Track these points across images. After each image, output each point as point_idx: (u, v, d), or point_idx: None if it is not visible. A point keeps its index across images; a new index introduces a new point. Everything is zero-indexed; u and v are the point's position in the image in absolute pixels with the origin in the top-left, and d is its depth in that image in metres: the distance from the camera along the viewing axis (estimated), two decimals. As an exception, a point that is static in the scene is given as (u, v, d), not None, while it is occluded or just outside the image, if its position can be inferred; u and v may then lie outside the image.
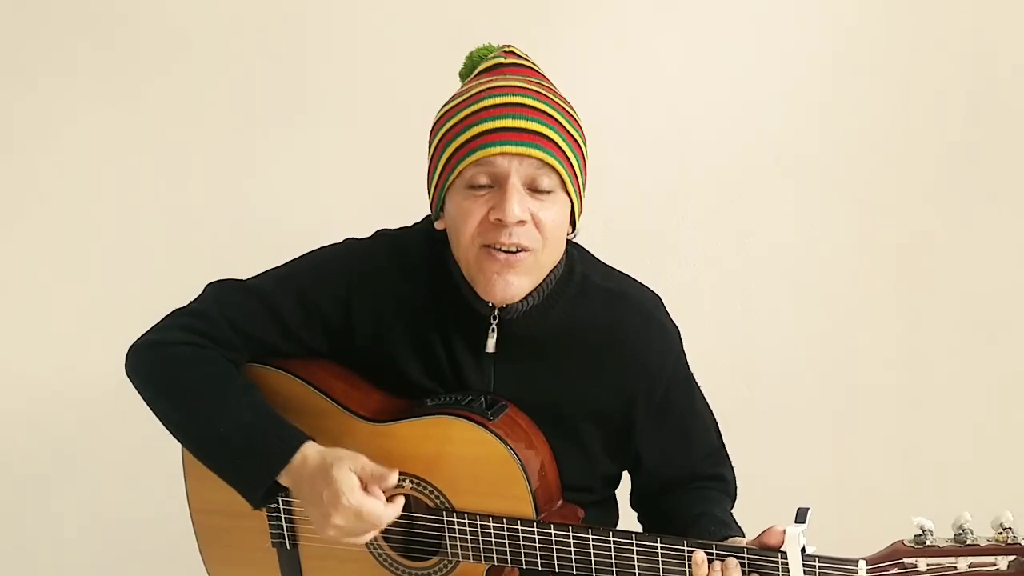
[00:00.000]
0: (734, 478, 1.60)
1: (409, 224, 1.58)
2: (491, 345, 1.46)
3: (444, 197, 1.42)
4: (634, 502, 1.62)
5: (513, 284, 1.38)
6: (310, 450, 1.41)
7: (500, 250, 1.36)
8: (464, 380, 1.49)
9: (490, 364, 1.49)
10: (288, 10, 2.19)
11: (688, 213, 2.21)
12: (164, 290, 2.12)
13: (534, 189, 1.37)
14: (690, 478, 1.55)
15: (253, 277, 1.56)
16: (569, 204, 1.41)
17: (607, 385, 1.48)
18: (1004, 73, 2.11)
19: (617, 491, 1.63)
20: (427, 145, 1.46)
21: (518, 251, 1.37)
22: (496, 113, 1.36)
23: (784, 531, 1.30)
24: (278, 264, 1.56)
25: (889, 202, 2.18)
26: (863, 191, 2.18)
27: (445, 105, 1.44)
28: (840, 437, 2.24)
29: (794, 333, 2.24)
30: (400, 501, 1.40)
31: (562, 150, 1.38)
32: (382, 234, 1.56)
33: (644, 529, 1.54)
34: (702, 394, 1.58)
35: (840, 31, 2.14)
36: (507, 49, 1.47)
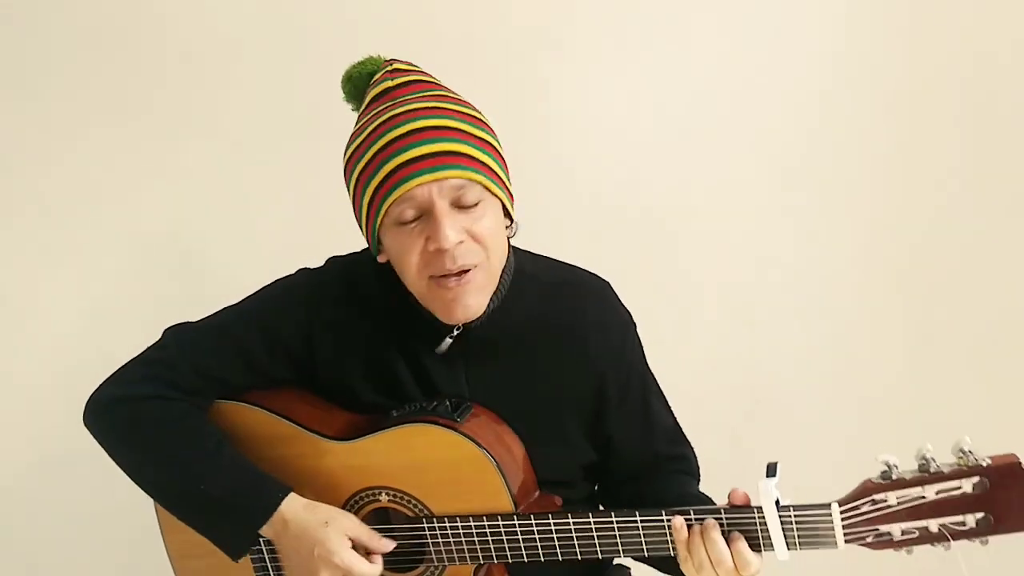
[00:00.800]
0: (695, 455, 1.62)
1: (360, 249, 1.57)
2: (443, 347, 1.47)
3: (378, 235, 1.42)
4: (601, 496, 1.63)
5: (472, 304, 1.40)
6: (293, 503, 1.43)
7: (449, 276, 1.37)
8: (434, 389, 1.50)
9: (461, 371, 1.50)
10: (290, 22, 2.19)
11: (691, 223, 2.20)
12: (161, 299, 2.16)
13: (461, 206, 1.37)
14: (654, 461, 1.57)
15: (209, 316, 1.56)
16: (499, 205, 1.42)
17: (577, 372, 1.50)
18: (1006, 77, 2.13)
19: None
20: (344, 183, 1.45)
21: (464, 271, 1.37)
22: (402, 145, 1.35)
23: (744, 492, 1.34)
24: (280, 276, 1.56)
25: (894, 209, 2.17)
26: (868, 199, 2.18)
27: (350, 145, 1.44)
28: (847, 447, 2.20)
29: (800, 343, 2.23)
30: (379, 562, 1.43)
31: (476, 159, 1.38)
32: (334, 261, 1.57)
33: None
34: (654, 375, 1.61)
35: (843, 36, 2.14)
36: (390, 69, 1.45)
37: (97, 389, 1.53)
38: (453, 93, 1.45)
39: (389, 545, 1.44)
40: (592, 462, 1.56)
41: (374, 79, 1.46)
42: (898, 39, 2.14)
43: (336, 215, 2.14)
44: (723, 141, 2.18)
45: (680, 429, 1.61)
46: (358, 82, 1.49)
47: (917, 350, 2.23)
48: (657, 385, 1.60)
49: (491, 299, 1.45)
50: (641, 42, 2.17)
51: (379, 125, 1.39)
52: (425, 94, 1.42)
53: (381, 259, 1.46)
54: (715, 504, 1.44)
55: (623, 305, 1.57)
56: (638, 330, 1.58)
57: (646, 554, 1.39)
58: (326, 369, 1.51)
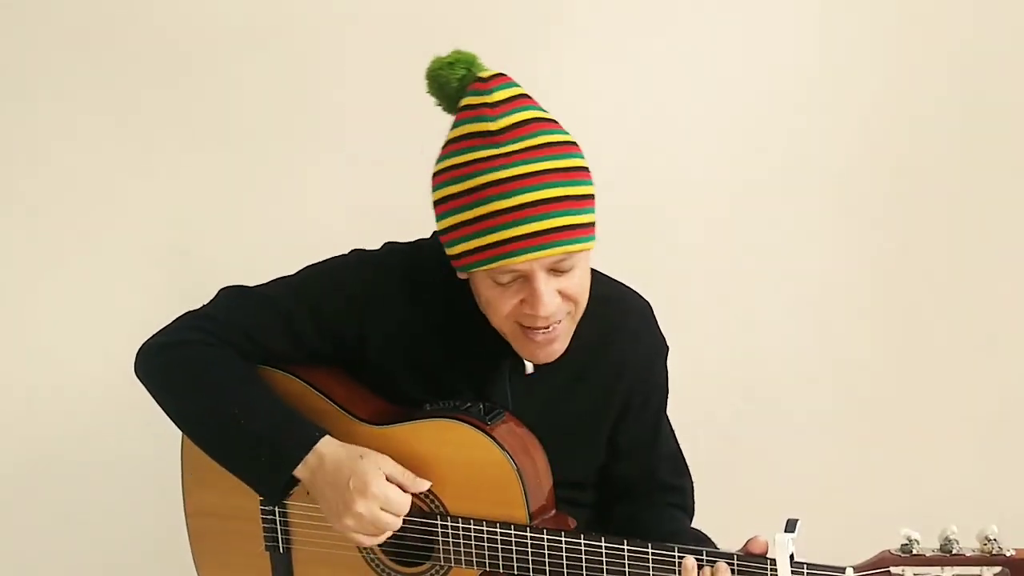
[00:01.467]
0: (692, 490, 1.65)
1: (414, 239, 1.58)
2: (530, 368, 1.51)
3: (467, 271, 1.42)
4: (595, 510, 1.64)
5: (556, 350, 1.45)
6: (330, 443, 1.44)
7: (538, 329, 1.41)
8: (481, 393, 1.52)
9: (506, 378, 1.52)
10: (284, 19, 2.22)
11: (685, 222, 2.22)
12: (162, 297, 2.14)
13: (558, 271, 1.39)
14: (652, 484, 1.60)
15: (264, 284, 1.58)
16: (589, 250, 1.42)
17: (612, 382, 1.54)
18: (1000, 75, 2.14)
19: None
20: (431, 192, 1.42)
21: (554, 324, 1.41)
22: (508, 220, 1.34)
23: (765, 541, 1.33)
24: (286, 273, 1.58)
25: (889, 208, 2.19)
26: (862, 198, 2.20)
27: (447, 178, 1.38)
28: (838, 448, 2.23)
29: (791, 344, 2.25)
30: (409, 497, 1.43)
31: (579, 226, 1.37)
32: (394, 249, 1.57)
33: None
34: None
35: (837, 36, 2.17)
36: (489, 95, 1.38)
37: (147, 340, 1.57)
38: (553, 132, 1.40)
39: (423, 484, 1.43)
40: (602, 465, 1.60)
41: (468, 95, 1.40)
42: (892, 37, 2.16)
43: (336, 212, 2.19)
44: (717, 141, 2.20)
45: (683, 458, 1.64)
46: (447, 87, 1.43)
47: (910, 350, 2.23)
48: (668, 417, 1.64)
49: None
50: (634, 41, 2.19)
51: (484, 186, 1.35)
52: (528, 147, 1.36)
53: (462, 276, 1.45)
54: (712, 544, 1.47)
55: (660, 332, 1.61)
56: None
57: None
58: (374, 356, 1.53)
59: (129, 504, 2.27)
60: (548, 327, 1.41)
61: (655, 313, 1.61)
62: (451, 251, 1.42)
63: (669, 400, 1.65)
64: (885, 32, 2.16)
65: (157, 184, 2.28)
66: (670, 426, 1.65)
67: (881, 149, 2.19)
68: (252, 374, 1.52)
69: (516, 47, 2.09)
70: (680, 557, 1.35)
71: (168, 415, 1.54)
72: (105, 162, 2.27)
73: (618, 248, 2.12)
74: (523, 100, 1.41)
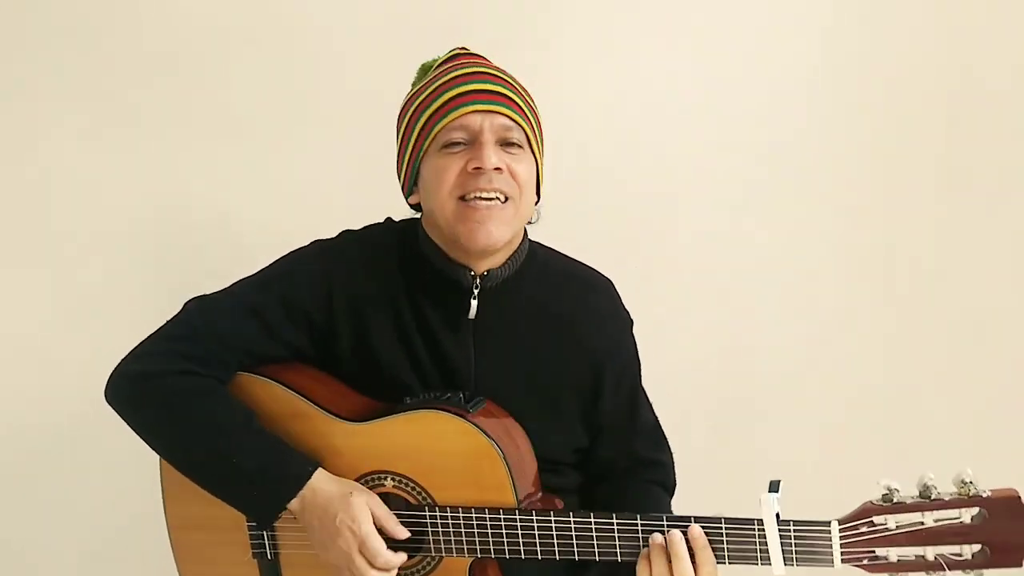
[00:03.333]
0: (672, 463, 1.68)
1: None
2: (473, 310, 1.53)
3: (419, 167, 1.51)
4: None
5: (494, 232, 1.47)
6: (323, 477, 1.47)
7: (480, 199, 1.46)
8: (446, 355, 1.54)
9: (470, 336, 1.55)
10: (269, 13, 2.21)
11: (678, 217, 2.23)
12: (149, 293, 2.16)
13: (505, 144, 1.48)
14: (633, 461, 1.62)
15: (228, 288, 1.58)
16: (535, 165, 1.52)
17: (577, 358, 1.57)
18: (990, 77, 2.17)
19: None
20: (396, 131, 1.55)
21: (496, 198, 1.46)
22: (465, 79, 1.49)
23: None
24: (251, 272, 1.59)
25: (880, 204, 2.21)
26: (854, 194, 2.21)
27: (410, 92, 1.56)
28: (832, 440, 2.25)
29: (784, 337, 2.26)
30: (402, 555, 1.45)
31: (526, 114, 1.51)
32: (348, 233, 1.63)
33: None
34: (641, 376, 1.69)
35: (829, 35, 2.19)
36: (461, 47, 1.59)
37: (118, 365, 1.54)
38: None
39: (403, 533, 1.46)
40: (584, 447, 1.62)
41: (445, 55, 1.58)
42: (884, 36, 2.18)
43: (321, 203, 2.19)
44: (710, 138, 2.21)
45: (661, 432, 1.67)
46: (427, 67, 1.59)
47: (901, 346, 2.24)
48: (643, 388, 1.67)
49: (508, 264, 1.54)
50: (628, 39, 2.20)
51: (445, 69, 1.52)
52: (492, 64, 1.56)
53: (412, 200, 1.56)
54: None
55: (624, 306, 1.66)
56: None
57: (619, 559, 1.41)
58: (344, 333, 1.54)
59: (119, 502, 2.24)
60: (492, 194, 1.45)
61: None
62: (404, 159, 1.53)
63: (656, 392, 1.67)
64: (881, 31, 2.18)
65: (143, 180, 2.25)
66: (647, 401, 1.68)
67: (876, 147, 2.20)
68: (236, 402, 1.51)
69: (515, 46, 2.07)
70: (670, 526, 1.38)
71: (150, 445, 1.53)
72: (86, 154, 2.24)
73: (611, 243, 2.15)
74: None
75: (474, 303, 1.53)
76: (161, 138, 2.23)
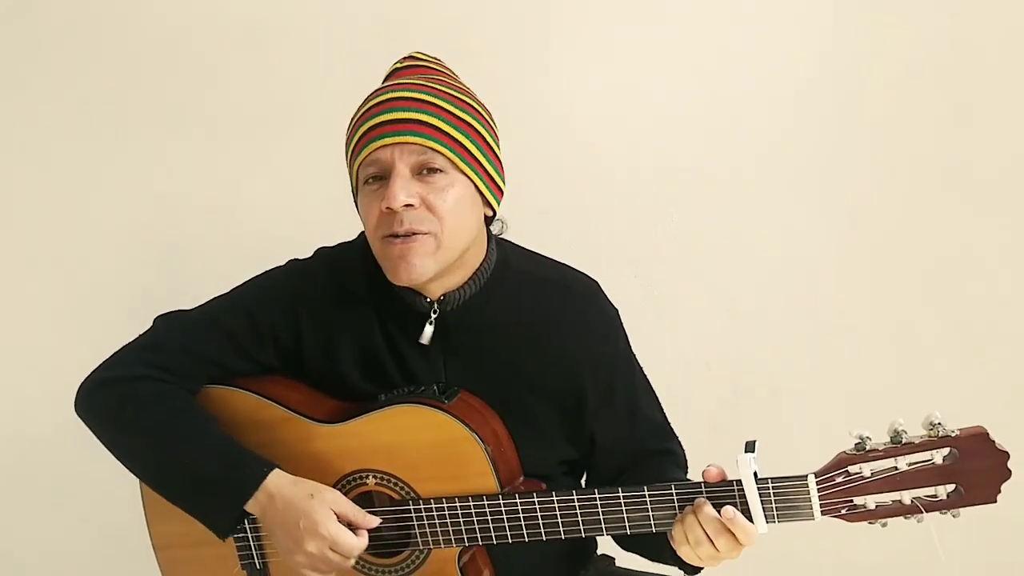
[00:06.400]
0: (683, 451, 1.64)
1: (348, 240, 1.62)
2: (427, 336, 1.50)
3: (356, 199, 1.51)
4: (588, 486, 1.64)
5: (416, 266, 1.43)
6: (279, 478, 1.44)
7: (396, 236, 1.43)
8: (416, 379, 1.53)
9: (439, 360, 1.54)
10: (267, 15, 2.21)
11: (673, 217, 2.22)
12: (148, 294, 2.15)
13: (422, 174, 1.43)
14: (642, 456, 1.58)
15: (199, 306, 1.59)
16: (469, 184, 1.46)
17: (556, 369, 1.52)
18: (991, 77, 2.17)
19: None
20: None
21: (412, 235, 1.42)
22: (380, 108, 1.44)
23: (717, 469, 1.37)
24: (249, 275, 1.60)
25: (876, 205, 2.20)
26: (850, 194, 2.21)
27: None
28: (828, 437, 2.23)
29: (780, 337, 2.25)
30: (365, 535, 1.44)
31: (444, 132, 1.43)
32: (321, 252, 1.61)
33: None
34: (643, 372, 1.62)
35: (829, 35, 2.19)
36: (411, 54, 1.55)
37: (88, 376, 1.56)
38: (458, 82, 1.52)
39: (373, 521, 1.45)
40: (572, 459, 1.59)
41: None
42: (884, 37, 2.18)
43: (316, 207, 2.18)
44: (706, 137, 2.21)
45: (668, 425, 1.62)
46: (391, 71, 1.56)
47: (898, 340, 2.25)
48: (645, 380, 1.62)
49: (468, 286, 1.50)
50: (626, 37, 2.21)
51: (376, 92, 1.48)
52: (425, 77, 1.49)
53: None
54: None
55: (610, 304, 1.59)
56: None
57: (628, 532, 1.42)
58: (313, 356, 1.54)
59: (119, 504, 2.21)
60: (406, 233, 1.41)
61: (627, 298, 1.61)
62: (350, 181, 1.50)
63: (662, 395, 1.63)
64: (881, 31, 2.18)
65: (138, 177, 2.25)
66: (649, 397, 1.61)
67: (876, 147, 2.21)
68: (197, 408, 1.51)
69: (515, 46, 2.10)
70: (651, 495, 1.39)
71: (114, 454, 1.53)
72: (83, 156, 2.24)
73: (608, 241, 2.17)
74: (436, 67, 1.53)
75: (429, 328, 1.50)
76: (161, 139, 2.23)
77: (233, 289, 1.60)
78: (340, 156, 2.20)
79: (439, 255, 1.44)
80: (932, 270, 2.22)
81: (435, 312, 1.51)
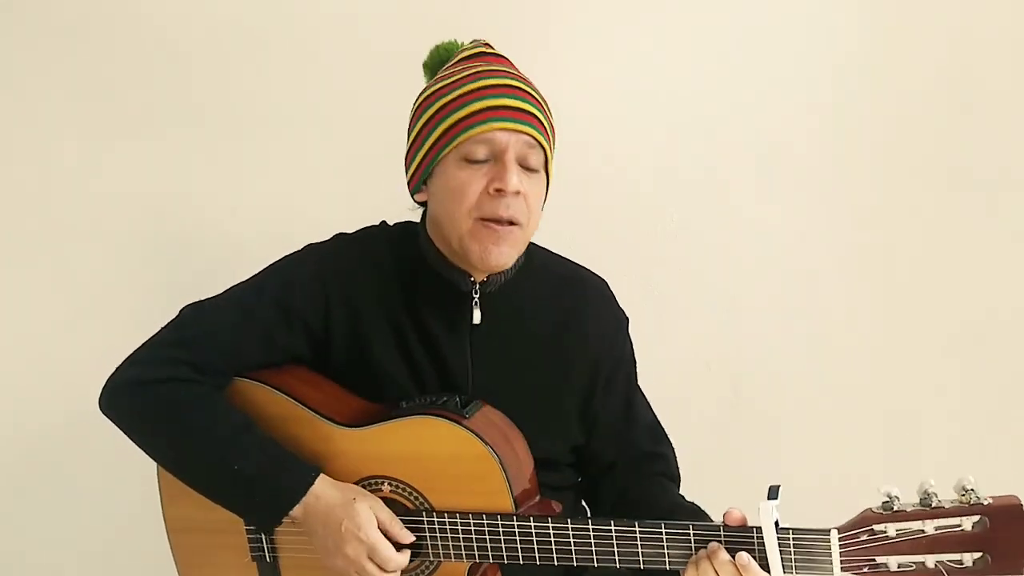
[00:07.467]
0: (674, 455, 1.67)
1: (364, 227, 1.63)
2: (477, 316, 1.53)
3: (432, 170, 1.49)
4: (583, 489, 1.67)
5: (505, 253, 1.47)
6: (325, 483, 1.46)
7: (495, 221, 1.44)
8: (444, 360, 1.54)
9: (467, 340, 1.55)
10: (267, 11, 2.20)
11: (673, 217, 2.22)
12: (149, 293, 2.16)
13: (524, 166, 1.46)
14: (634, 455, 1.62)
15: (223, 293, 1.57)
16: (545, 186, 1.51)
17: (575, 358, 1.57)
18: (991, 77, 2.16)
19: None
20: (410, 122, 1.52)
21: (511, 223, 1.45)
22: (495, 92, 1.45)
23: (740, 514, 1.35)
24: (249, 274, 1.58)
25: (877, 205, 2.20)
26: (851, 194, 2.20)
27: (433, 86, 1.51)
28: (827, 441, 2.24)
29: (780, 337, 2.25)
30: (407, 553, 1.45)
31: (547, 133, 1.50)
32: (343, 236, 1.61)
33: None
34: (637, 375, 1.69)
35: (827, 31, 2.18)
36: (485, 42, 1.56)
37: (114, 373, 1.53)
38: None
39: (408, 537, 1.45)
40: (579, 444, 1.62)
41: (464, 47, 1.56)
42: (884, 37, 2.17)
43: (316, 207, 2.18)
44: (707, 136, 2.20)
45: (660, 427, 1.67)
46: (442, 51, 1.58)
47: (902, 347, 2.24)
48: (640, 388, 1.67)
49: (508, 270, 1.53)
50: (626, 37, 2.19)
51: (475, 72, 1.48)
52: (514, 70, 1.53)
53: (419, 198, 1.54)
54: (708, 516, 1.48)
55: (619, 305, 1.66)
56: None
57: (641, 567, 1.40)
58: (341, 336, 1.53)
59: (120, 503, 2.25)
60: (507, 220, 1.44)
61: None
62: (418, 156, 1.49)
63: (655, 391, 1.67)
64: (882, 31, 2.16)
65: (140, 172, 2.24)
66: (644, 399, 1.67)
67: (876, 147, 2.19)
68: (234, 409, 1.50)
69: (515, 46, 2.06)
70: (668, 533, 1.37)
71: (148, 454, 1.52)
72: (85, 152, 2.24)
73: (609, 241, 2.16)
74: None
75: (476, 310, 1.53)
76: (161, 138, 2.22)
77: (256, 275, 1.58)
78: (340, 156, 2.19)
79: (519, 247, 1.50)
80: (932, 270, 2.21)
81: (476, 292, 1.53)
